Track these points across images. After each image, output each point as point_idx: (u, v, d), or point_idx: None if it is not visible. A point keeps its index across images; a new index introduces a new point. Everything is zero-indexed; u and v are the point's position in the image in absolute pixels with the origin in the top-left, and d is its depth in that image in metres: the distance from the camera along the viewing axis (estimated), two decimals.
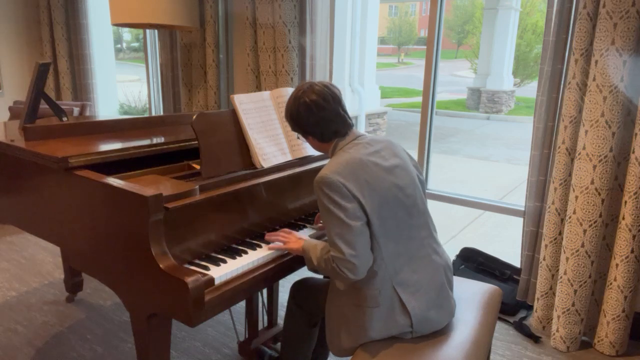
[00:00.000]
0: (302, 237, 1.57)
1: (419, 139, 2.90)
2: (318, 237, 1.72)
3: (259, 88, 3.24)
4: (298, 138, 1.60)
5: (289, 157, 1.84)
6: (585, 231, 2.15)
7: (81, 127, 1.97)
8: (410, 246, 1.45)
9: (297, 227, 1.76)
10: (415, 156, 1.89)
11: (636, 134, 2.02)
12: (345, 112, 1.51)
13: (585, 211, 2.13)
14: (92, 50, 4.14)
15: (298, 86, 1.52)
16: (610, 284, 2.18)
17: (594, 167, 2.09)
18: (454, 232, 4.36)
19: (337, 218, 1.33)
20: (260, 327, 2.18)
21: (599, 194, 2.10)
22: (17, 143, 1.75)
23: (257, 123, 1.77)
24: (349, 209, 1.32)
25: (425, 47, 2.82)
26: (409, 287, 1.42)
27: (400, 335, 1.43)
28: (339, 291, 1.46)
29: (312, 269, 1.48)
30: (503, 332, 2.43)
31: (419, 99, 12.32)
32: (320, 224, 1.79)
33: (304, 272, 2.79)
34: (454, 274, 1.69)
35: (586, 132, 2.08)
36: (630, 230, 2.07)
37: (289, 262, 1.56)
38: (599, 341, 2.27)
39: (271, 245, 1.57)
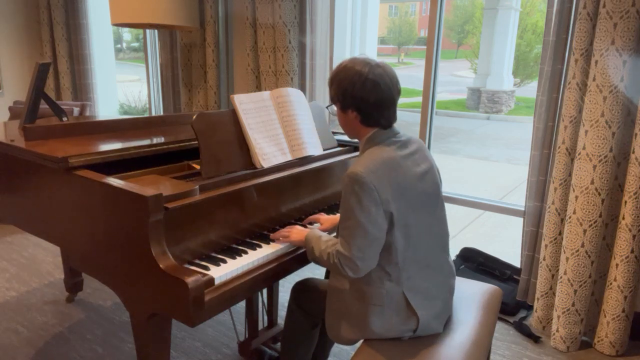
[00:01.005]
0: (305, 229, 1.58)
1: (419, 139, 2.89)
2: None
3: (259, 88, 3.23)
4: (327, 107, 1.55)
5: (289, 157, 1.84)
6: (585, 231, 2.15)
7: (81, 127, 1.97)
8: (427, 254, 1.44)
9: None
10: None
11: (636, 134, 2.02)
12: (397, 104, 1.45)
13: (585, 211, 2.13)
14: (92, 50, 4.14)
15: (364, 58, 1.40)
16: (610, 284, 2.18)
17: (594, 167, 2.08)
18: (454, 232, 4.36)
19: (357, 219, 1.30)
20: (260, 327, 2.18)
21: (599, 194, 2.10)
22: (17, 143, 1.75)
23: (257, 123, 1.77)
24: (373, 213, 1.30)
25: (425, 47, 2.82)
26: (419, 294, 1.42)
27: (399, 336, 1.43)
28: (343, 282, 1.45)
29: (313, 259, 1.48)
30: (503, 332, 2.43)
31: (419, 99, 12.29)
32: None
33: (304, 272, 2.79)
34: None
35: (586, 132, 2.08)
36: (630, 230, 2.07)
37: (289, 262, 1.56)
38: (599, 341, 2.27)
39: (274, 237, 1.60)
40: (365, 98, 1.38)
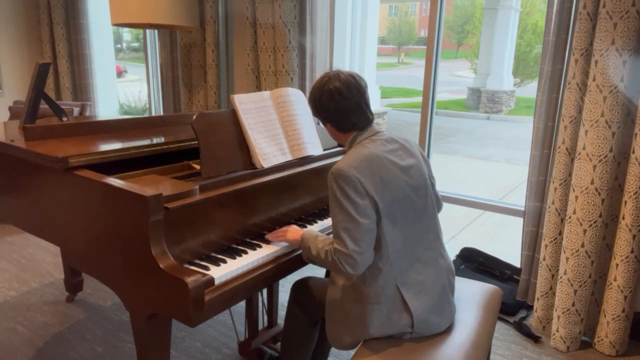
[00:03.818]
0: (301, 228, 1.59)
1: (419, 139, 2.90)
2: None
3: (259, 88, 3.24)
4: (318, 124, 1.61)
5: (289, 157, 1.84)
6: (585, 231, 2.15)
7: (81, 127, 1.97)
8: (418, 247, 1.45)
9: None
10: None
11: (636, 134, 2.02)
12: (367, 106, 1.51)
13: (585, 211, 2.13)
14: (92, 50, 4.14)
15: (325, 73, 1.52)
16: (610, 284, 2.18)
17: (594, 167, 2.09)
18: (454, 232, 4.36)
19: (347, 212, 1.33)
20: (260, 327, 2.18)
21: (599, 194, 2.10)
22: (17, 143, 1.75)
23: (257, 123, 1.77)
24: (360, 205, 1.33)
25: (425, 47, 2.82)
26: (412, 288, 1.43)
27: (400, 335, 1.43)
28: (341, 285, 1.46)
29: (309, 258, 1.48)
30: (503, 332, 2.43)
31: (419, 99, 12.31)
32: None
33: (304, 272, 2.79)
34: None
35: (586, 132, 2.08)
36: (630, 230, 2.07)
37: (289, 262, 1.56)
38: (599, 341, 2.27)
39: (270, 237, 1.60)
40: (326, 109, 1.49)
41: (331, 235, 1.41)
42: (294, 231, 1.56)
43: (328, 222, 1.84)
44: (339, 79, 1.47)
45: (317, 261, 1.44)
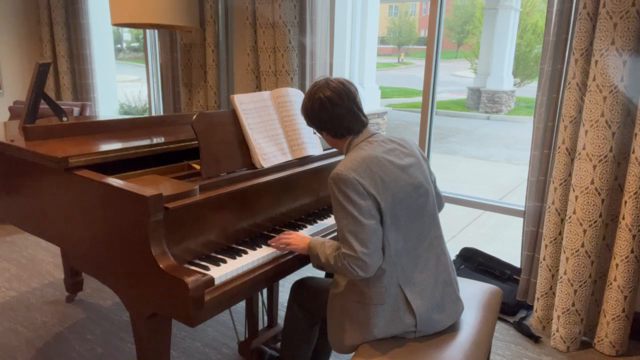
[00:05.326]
0: (306, 236, 1.57)
1: (419, 139, 2.90)
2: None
3: (259, 88, 3.24)
4: (315, 133, 1.62)
5: (289, 157, 1.84)
6: (585, 231, 2.15)
7: (81, 127, 1.97)
8: (419, 245, 1.45)
9: (297, 227, 1.76)
10: None
11: (636, 134, 2.02)
12: (360, 109, 1.51)
13: (585, 211, 2.13)
14: (92, 50, 4.14)
15: (314, 82, 1.52)
16: (610, 284, 2.18)
17: (594, 167, 2.09)
18: (454, 232, 4.36)
19: (350, 215, 1.33)
20: (260, 327, 2.18)
21: (599, 194, 2.10)
22: (17, 143, 1.75)
23: (257, 123, 1.77)
24: (363, 206, 1.33)
25: (425, 47, 2.82)
26: (415, 287, 1.43)
27: (403, 334, 1.43)
28: (343, 287, 1.46)
29: (318, 265, 1.48)
30: (503, 332, 2.43)
31: (419, 99, 12.32)
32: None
33: (304, 272, 2.79)
34: None
35: (586, 132, 2.08)
36: (630, 230, 2.07)
37: (289, 262, 1.56)
38: (599, 341, 2.27)
39: (274, 245, 1.57)
40: (319, 118, 1.50)
41: (330, 237, 1.40)
42: (299, 239, 1.54)
43: (328, 222, 1.84)
44: (329, 88, 1.47)
45: (327, 268, 1.44)
